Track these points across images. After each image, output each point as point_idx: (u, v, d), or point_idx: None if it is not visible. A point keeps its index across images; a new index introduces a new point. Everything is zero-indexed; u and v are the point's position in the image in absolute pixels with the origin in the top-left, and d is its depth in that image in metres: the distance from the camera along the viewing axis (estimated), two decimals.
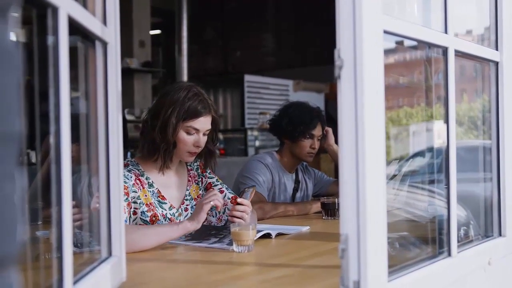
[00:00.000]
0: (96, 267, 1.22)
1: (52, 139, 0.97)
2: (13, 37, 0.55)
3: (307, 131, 2.92)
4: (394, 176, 1.81)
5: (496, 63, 1.75)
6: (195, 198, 2.31)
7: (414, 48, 1.63)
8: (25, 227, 0.59)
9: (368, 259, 1.12)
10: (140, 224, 2.11)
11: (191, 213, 2.26)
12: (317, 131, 2.95)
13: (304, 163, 3.12)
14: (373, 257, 1.13)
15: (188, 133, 2.15)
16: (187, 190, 2.31)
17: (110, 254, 1.32)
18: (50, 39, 0.96)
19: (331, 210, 2.59)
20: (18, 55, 0.55)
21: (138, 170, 2.18)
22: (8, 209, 0.52)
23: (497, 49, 1.75)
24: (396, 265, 1.28)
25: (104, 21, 1.31)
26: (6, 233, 0.52)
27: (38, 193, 1.62)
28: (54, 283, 0.96)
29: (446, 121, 1.48)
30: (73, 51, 1.03)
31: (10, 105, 0.52)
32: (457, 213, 1.52)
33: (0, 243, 0.52)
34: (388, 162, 1.26)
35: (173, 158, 2.22)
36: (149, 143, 2.17)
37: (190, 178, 2.34)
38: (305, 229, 2.30)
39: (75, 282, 1.03)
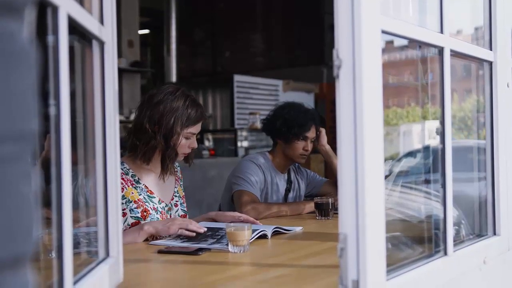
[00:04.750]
0: (94, 268, 1.22)
1: (52, 139, 0.96)
2: (28, 36, 0.54)
3: (301, 133, 2.90)
4: (387, 176, 1.82)
5: (490, 63, 1.76)
6: (182, 196, 2.39)
7: (404, 47, 1.63)
8: (40, 226, 0.59)
9: (367, 258, 1.12)
10: (131, 223, 2.12)
11: (181, 209, 2.35)
12: (311, 133, 2.94)
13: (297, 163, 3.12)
14: (372, 256, 1.13)
15: (187, 138, 2.23)
16: (175, 187, 2.37)
17: (107, 254, 1.32)
18: (49, 38, 0.96)
19: (324, 210, 2.60)
20: (34, 54, 0.54)
21: (123, 169, 2.19)
22: (25, 209, 0.52)
23: (491, 49, 1.76)
24: (394, 264, 1.29)
25: (101, 21, 1.30)
26: (23, 233, 0.52)
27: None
28: (55, 283, 0.95)
29: (442, 121, 1.49)
30: (69, 51, 1.02)
31: (28, 104, 0.52)
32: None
33: (18, 243, 0.51)
34: None
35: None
36: (149, 149, 2.19)
37: (176, 178, 2.41)
38: (299, 229, 2.30)
39: (74, 283, 1.03)
